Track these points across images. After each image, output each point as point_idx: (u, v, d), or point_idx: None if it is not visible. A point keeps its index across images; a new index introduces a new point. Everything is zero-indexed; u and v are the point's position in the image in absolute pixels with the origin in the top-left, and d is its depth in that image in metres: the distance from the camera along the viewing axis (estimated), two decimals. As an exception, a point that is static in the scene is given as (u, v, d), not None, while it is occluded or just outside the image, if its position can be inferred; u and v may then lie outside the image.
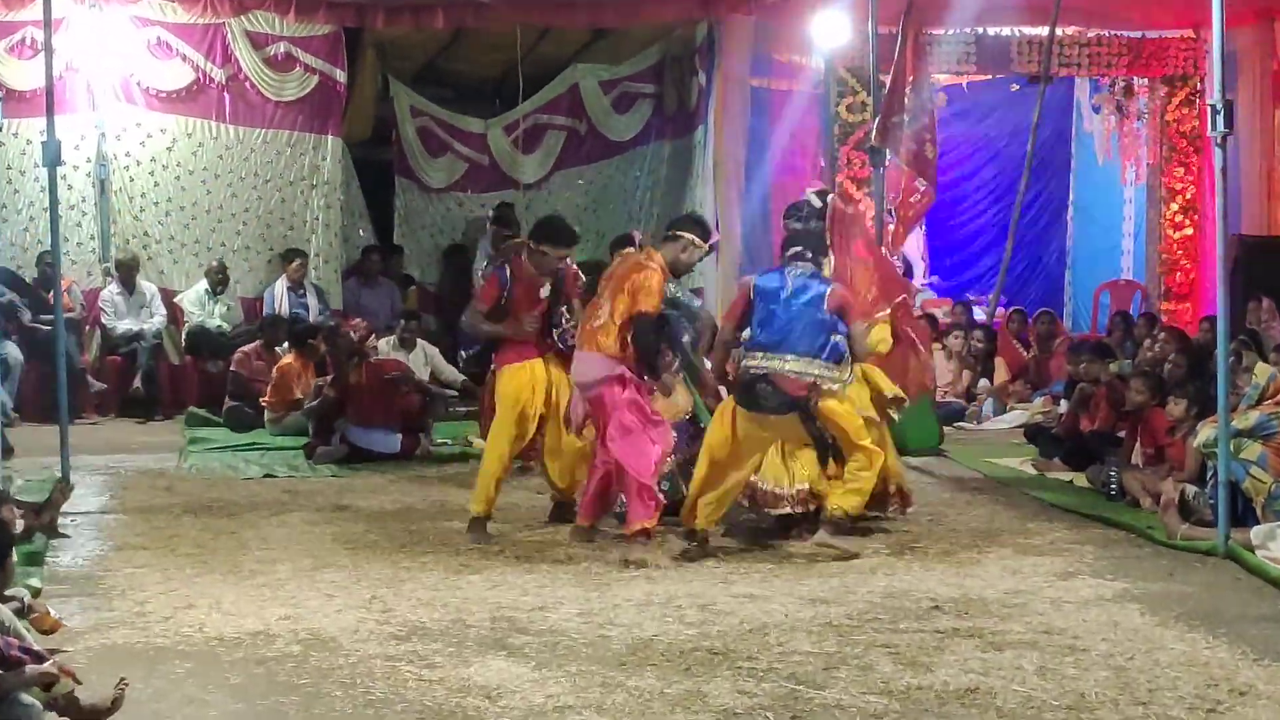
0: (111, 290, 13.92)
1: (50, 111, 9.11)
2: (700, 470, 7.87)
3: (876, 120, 11.88)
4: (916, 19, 11.60)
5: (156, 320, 13.89)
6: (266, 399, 12.51)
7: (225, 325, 14.16)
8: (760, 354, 7.72)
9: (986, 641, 6.05)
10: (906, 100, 11.59)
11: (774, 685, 5.45)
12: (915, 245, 16.38)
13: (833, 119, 15.22)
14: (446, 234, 16.24)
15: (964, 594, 6.92)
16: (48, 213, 9.99)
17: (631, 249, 8.31)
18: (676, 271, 8.25)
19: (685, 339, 8.45)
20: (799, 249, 7.96)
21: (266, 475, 10.69)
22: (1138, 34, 15.60)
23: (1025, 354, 14.51)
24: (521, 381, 8.39)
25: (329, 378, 11.78)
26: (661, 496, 8.02)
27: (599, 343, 8.00)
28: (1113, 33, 15.58)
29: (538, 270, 8.44)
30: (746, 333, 7.90)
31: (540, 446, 8.72)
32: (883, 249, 12.75)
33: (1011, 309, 15.68)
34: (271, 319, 13.63)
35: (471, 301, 8.89)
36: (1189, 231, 15.98)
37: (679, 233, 8.27)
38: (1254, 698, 5.33)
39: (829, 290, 7.77)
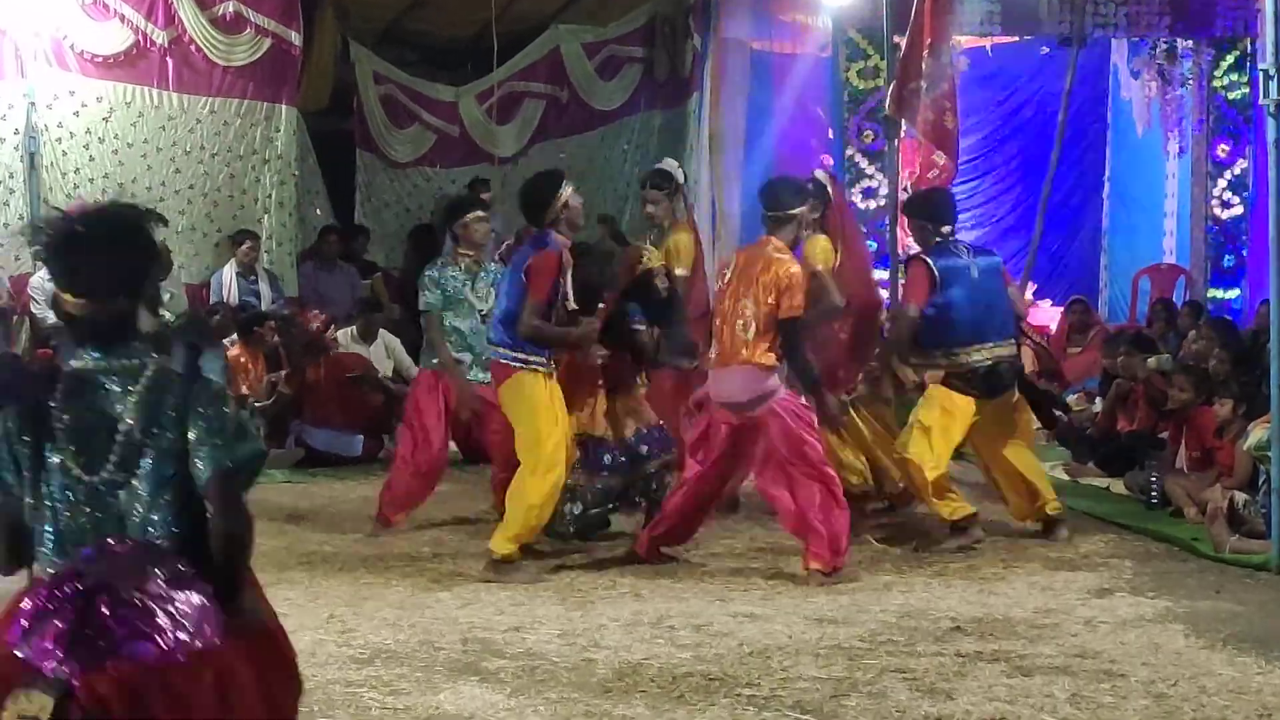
0: (42, 276, 13.83)
1: (-28, 78, 9.08)
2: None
3: (891, 87, 11.86)
4: (936, -26, 11.58)
5: (92, 309, 13.83)
6: (213, 396, 12.48)
7: (168, 315, 14.12)
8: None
9: (1013, 666, 6.05)
10: (924, 65, 11.55)
11: (777, 714, 5.45)
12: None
13: (842, 86, 15.24)
14: (413, 213, 16.24)
15: (988, 613, 6.93)
16: (-30, 190, 9.97)
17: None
18: None
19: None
20: None
21: (213, 481, 10.65)
22: (1181, -10, 15.63)
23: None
24: (549, 386, 7.83)
25: (283, 373, 11.77)
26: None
27: (750, 355, 7.63)
28: (1153, -11, 15.60)
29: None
30: None
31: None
32: (898, 231, 12.81)
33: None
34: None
35: (525, 304, 7.74)
36: (1238, 210, 16.02)
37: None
38: (1310, 728, 5.35)
39: None
